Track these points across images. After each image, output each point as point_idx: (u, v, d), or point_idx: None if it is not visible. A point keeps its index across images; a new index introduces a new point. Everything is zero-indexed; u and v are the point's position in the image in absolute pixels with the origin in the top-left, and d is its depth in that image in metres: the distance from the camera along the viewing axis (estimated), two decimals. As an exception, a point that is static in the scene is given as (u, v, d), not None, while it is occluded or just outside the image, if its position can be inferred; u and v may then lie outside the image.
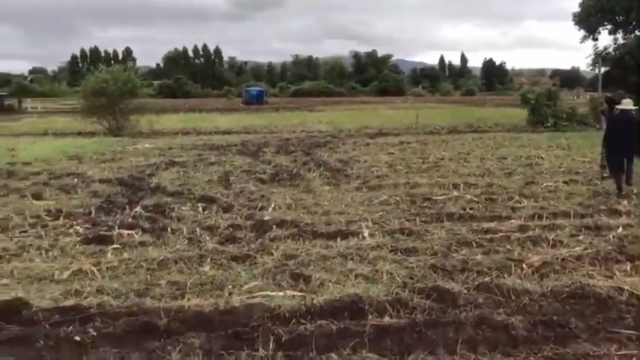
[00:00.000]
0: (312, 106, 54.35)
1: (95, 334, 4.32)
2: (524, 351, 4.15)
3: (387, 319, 4.56)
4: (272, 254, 6.43)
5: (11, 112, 49.06)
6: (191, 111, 46.47)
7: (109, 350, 4.08)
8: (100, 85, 25.87)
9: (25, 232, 7.64)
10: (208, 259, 6.26)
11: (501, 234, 7.15)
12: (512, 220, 7.90)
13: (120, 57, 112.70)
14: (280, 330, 4.31)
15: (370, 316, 4.59)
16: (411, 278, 5.56)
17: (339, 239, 7.01)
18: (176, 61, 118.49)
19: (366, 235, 7.24)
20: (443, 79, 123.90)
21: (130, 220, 8.20)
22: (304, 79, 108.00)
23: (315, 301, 4.86)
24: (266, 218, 8.16)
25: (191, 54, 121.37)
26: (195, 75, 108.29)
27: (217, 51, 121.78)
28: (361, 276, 5.65)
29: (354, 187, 10.89)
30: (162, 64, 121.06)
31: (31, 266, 6.09)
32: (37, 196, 10.02)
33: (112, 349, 4.11)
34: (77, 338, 4.26)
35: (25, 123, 34.53)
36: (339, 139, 21.25)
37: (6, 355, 4.06)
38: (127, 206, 9.14)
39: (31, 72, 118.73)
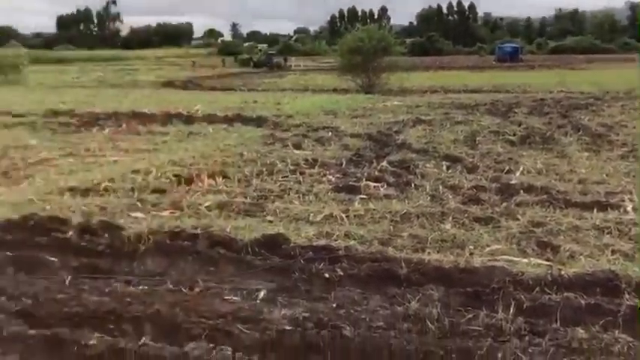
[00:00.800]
0: (574, 65, 49.68)
1: (342, 273, 4.67)
2: None
3: (647, 301, 4.07)
4: (518, 219, 6.15)
5: (279, 70, 54.57)
6: (441, 69, 46.10)
7: (354, 290, 4.39)
8: (355, 44, 27.04)
9: (286, 177, 8.49)
10: (450, 218, 6.25)
11: None
12: None
13: (375, 16, 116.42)
14: (522, 296, 4.14)
15: (627, 296, 4.15)
16: (683, 262, 4.86)
17: (595, 210, 6.39)
18: (429, 18, 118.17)
19: (628, 208, 6.46)
20: None
21: (376, 173, 8.57)
22: (567, 35, 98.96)
23: (562, 272, 4.56)
24: (513, 182, 7.81)
25: (445, 11, 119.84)
26: (447, 32, 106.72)
27: (472, 7, 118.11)
28: (619, 252, 5.11)
29: (618, 155, 9.76)
30: (415, 23, 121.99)
31: (290, 207, 6.78)
32: (297, 146, 11.02)
33: (357, 289, 4.41)
34: (326, 275, 4.66)
35: (289, 79, 38.10)
36: (604, 101, 19.05)
37: (268, 282, 4.64)
38: (374, 160, 9.56)
39: (295, 32, 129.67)
